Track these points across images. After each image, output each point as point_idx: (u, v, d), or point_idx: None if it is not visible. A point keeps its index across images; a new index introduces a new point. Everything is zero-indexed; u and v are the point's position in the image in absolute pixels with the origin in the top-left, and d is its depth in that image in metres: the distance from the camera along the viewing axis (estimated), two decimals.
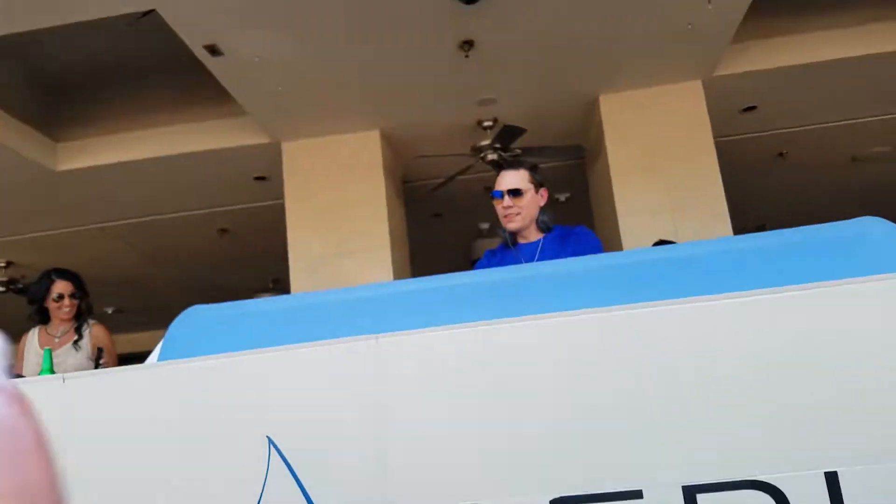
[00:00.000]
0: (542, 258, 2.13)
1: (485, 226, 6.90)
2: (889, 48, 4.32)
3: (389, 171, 5.07)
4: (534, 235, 2.21)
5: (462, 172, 5.06)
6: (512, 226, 2.16)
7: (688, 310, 1.24)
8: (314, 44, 3.80)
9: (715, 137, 4.69)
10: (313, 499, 1.22)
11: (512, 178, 2.17)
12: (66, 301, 2.87)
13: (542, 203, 2.21)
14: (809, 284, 1.22)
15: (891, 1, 4.28)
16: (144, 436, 1.31)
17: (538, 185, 2.20)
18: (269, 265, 6.45)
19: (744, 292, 1.23)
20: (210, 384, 1.33)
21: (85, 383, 1.47)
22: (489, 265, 2.19)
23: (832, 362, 1.17)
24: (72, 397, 1.37)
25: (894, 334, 1.17)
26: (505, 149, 4.70)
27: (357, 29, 3.69)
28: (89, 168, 5.00)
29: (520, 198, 2.14)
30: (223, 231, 6.42)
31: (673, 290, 1.30)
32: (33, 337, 2.92)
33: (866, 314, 1.19)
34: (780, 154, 5.76)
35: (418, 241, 5.79)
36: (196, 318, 1.63)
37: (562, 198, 6.40)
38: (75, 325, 2.89)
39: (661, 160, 4.68)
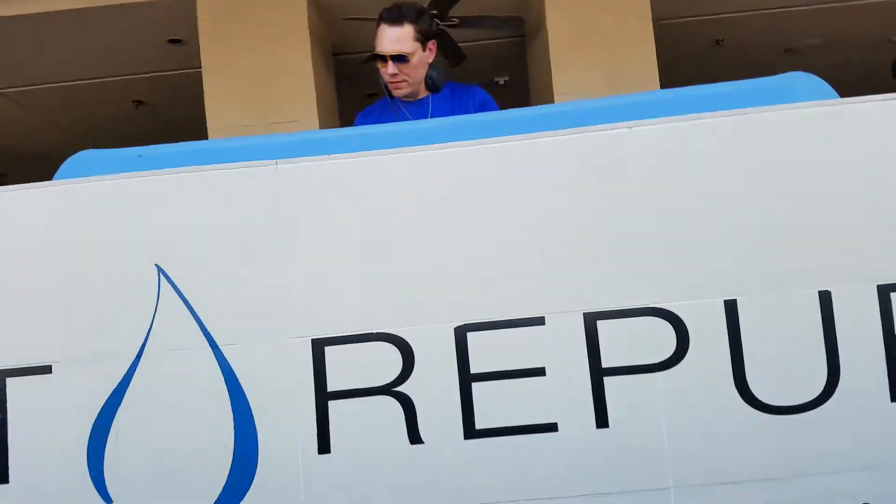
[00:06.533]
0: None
1: None
2: None
3: (317, 36, 4.75)
4: (421, 93, 1.99)
5: None
6: (400, 93, 1.94)
7: (596, 137, 1.21)
8: None
9: (654, 19, 4.59)
10: (208, 328, 1.18)
11: (395, 39, 1.85)
12: None
13: (431, 59, 1.95)
14: (718, 112, 1.19)
15: None
16: (29, 258, 1.23)
17: (426, 38, 1.91)
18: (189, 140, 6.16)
19: (653, 120, 1.20)
20: (96, 207, 1.25)
21: None
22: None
23: (732, 191, 1.16)
24: None
25: (800, 165, 1.16)
26: (442, 17, 4.46)
27: None
28: None
29: (405, 64, 1.86)
30: (139, 103, 6.01)
31: None
32: None
33: (773, 143, 1.18)
34: (717, 42, 5.73)
35: (350, 122, 5.58)
36: (85, 162, 1.50)
37: (501, 81, 6.25)
38: None
39: (600, 39, 4.58)
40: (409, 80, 1.91)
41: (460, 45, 4.90)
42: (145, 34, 4.88)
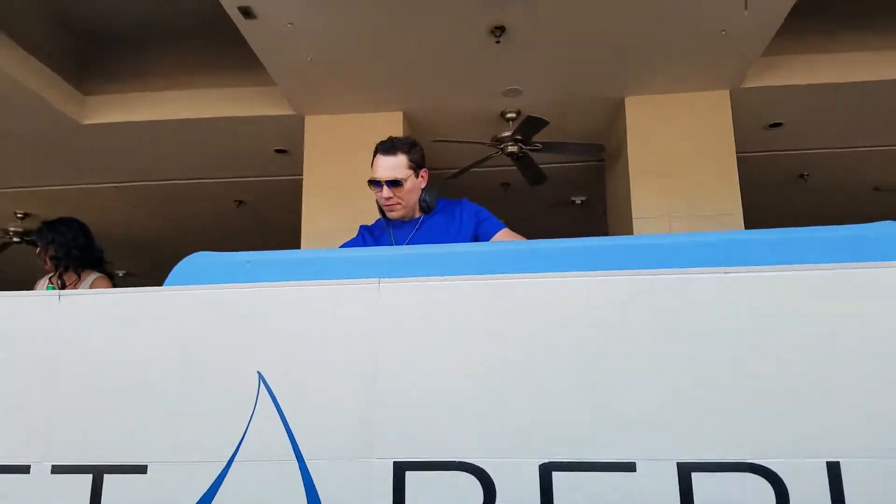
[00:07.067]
0: (417, 236, 2.07)
1: None
2: None
3: None
4: (416, 213, 2.13)
5: (480, 163, 5.05)
6: (394, 215, 2.08)
7: (694, 280, 1.19)
8: (347, 15, 3.82)
9: (737, 151, 4.65)
10: (297, 441, 1.19)
11: (389, 166, 2.02)
12: (39, 256, 3.01)
13: (424, 185, 2.11)
14: (820, 265, 1.17)
15: None
16: (135, 359, 1.28)
17: (418, 167, 2.08)
18: (283, 240, 6.49)
19: (754, 267, 1.19)
20: (206, 313, 1.31)
21: (80, 301, 1.43)
22: (365, 242, 2.12)
23: (844, 349, 1.12)
24: (66, 315, 1.34)
25: None
26: (526, 141, 4.69)
27: (392, 4, 3.71)
28: (114, 124, 5.05)
29: (399, 188, 2.02)
30: (240, 203, 6.46)
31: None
32: (44, 282, 3.06)
33: (878, 301, 1.14)
34: (802, 176, 5.70)
35: None
36: (199, 263, 1.60)
37: (578, 200, 6.38)
38: (57, 274, 2.96)
39: (682, 167, 4.65)
40: (402, 202, 2.05)
41: (541, 166, 5.10)
42: (255, 144, 5.35)
